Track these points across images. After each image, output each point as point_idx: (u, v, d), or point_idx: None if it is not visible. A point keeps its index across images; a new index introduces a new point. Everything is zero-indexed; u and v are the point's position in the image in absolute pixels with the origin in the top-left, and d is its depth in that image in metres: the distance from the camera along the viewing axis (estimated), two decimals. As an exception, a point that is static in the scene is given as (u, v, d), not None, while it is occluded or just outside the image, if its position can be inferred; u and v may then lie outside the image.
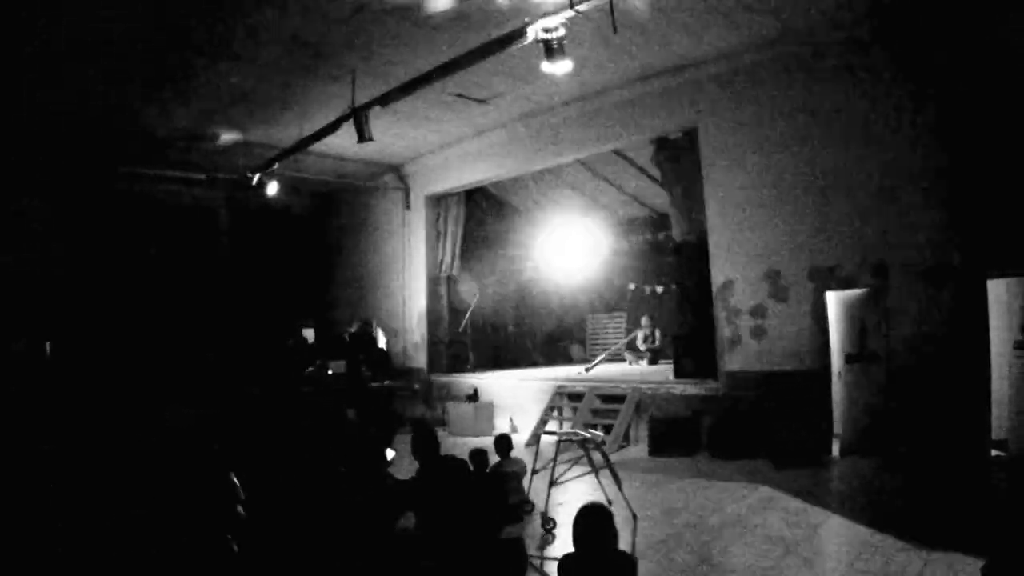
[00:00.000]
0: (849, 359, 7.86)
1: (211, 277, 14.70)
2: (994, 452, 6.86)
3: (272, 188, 12.02)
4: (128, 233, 13.50)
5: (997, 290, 6.97)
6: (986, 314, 6.91)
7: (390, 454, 6.06)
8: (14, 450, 7.29)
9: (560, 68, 7.02)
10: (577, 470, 6.43)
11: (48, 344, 11.77)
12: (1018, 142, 6.78)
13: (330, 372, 12.29)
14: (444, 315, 13.79)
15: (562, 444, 6.42)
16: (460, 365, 13.57)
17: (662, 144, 10.41)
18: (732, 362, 8.85)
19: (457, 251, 13.75)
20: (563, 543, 5.14)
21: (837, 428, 7.90)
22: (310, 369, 12.37)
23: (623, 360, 14.08)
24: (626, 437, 9.26)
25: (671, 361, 10.75)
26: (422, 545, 4.64)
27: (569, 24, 6.53)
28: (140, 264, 13.51)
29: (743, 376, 8.60)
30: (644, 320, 14.13)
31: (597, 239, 16.27)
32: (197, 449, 7.03)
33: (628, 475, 6.80)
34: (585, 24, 7.31)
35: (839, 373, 7.88)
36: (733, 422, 8.27)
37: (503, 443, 6.56)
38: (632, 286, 15.98)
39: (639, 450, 8.91)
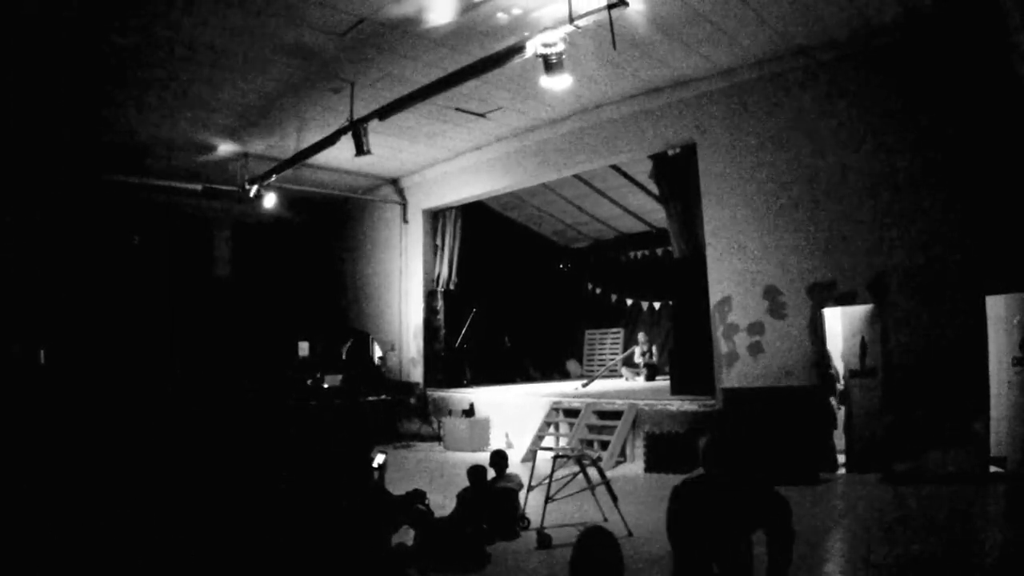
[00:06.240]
0: (851, 375, 7.84)
1: (207, 288, 14.68)
2: (993, 468, 6.81)
3: (270, 200, 12.05)
4: (125, 242, 13.50)
5: (996, 306, 6.95)
6: (985, 330, 6.89)
7: (380, 458, 6.02)
8: (11, 456, 7.24)
9: (559, 83, 7.05)
10: (573, 486, 6.37)
11: (43, 351, 11.71)
12: (1016, 158, 6.80)
13: (326, 386, 12.25)
14: (441, 329, 13.74)
15: (558, 460, 6.37)
16: (456, 380, 13.49)
17: (660, 160, 10.43)
18: (729, 378, 8.81)
19: (454, 265, 13.73)
20: (559, 559, 5.08)
21: (840, 445, 7.87)
22: (308, 382, 12.34)
23: (620, 376, 14.04)
24: (623, 453, 9.19)
25: (668, 377, 10.73)
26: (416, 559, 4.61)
27: (568, 39, 6.56)
28: (136, 273, 13.49)
29: (740, 392, 8.55)
30: (641, 336, 14.10)
31: (595, 254, 16.29)
32: (192, 456, 7.00)
33: (624, 492, 6.74)
34: (584, 40, 7.35)
35: (840, 390, 7.85)
36: (730, 439, 8.19)
37: (499, 459, 6.52)
38: (629, 301, 15.98)
39: (635, 467, 8.84)
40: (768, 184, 8.72)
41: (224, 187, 12.65)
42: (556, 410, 10.46)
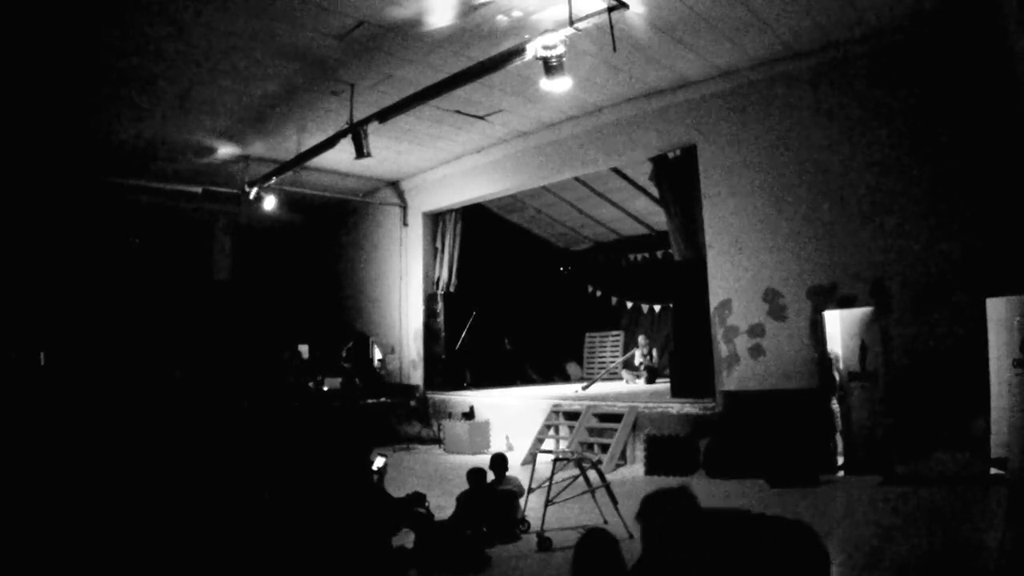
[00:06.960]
0: (851, 378, 7.83)
1: (206, 290, 14.67)
2: (994, 470, 6.79)
3: (269, 202, 12.05)
4: (124, 245, 13.51)
5: (996, 308, 6.94)
6: (985, 332, 6.87)
7: (379, 461, 6.03)
8: (11, 459, 7.24)
9: (559, 86, 7.05)
10: (573, 489, 6.35)
11: (42, 353, 11.70)
12: (1016, 160, 6.79)
13: (325, 388, 12.25)
14: (441, 332, 13.72)
15: (558, 463, 6.36)
16: (456, 382, 13.48)
17: (660, 162, 10.43)
18: (729, 381, 8.80)
19: (454, 268, 13.72)
20: (559, 562, 5.06)
21: (840, 447, 7.85)
22: (310, 384, 12.35)
23: (620, 378, 14.02)
24: (623, 456, 9.17)
25: (668, 380, 10.71)
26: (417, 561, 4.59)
27: (569, 42, 6.56)
28: (136, 275, 13.49)
29: (741, 395, 8.55)
30: (641, 339, 14.08)
31: (595, 256, 16.25)
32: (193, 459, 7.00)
33: (624, 494, 6.71)
34: (585, 42, 7.36)
35: (840, 392, 7.84)
36: (730, 441, 8.20)
37: (499, 462, 6.51)
38: (629, 304, 15.96)
39: (636, 469, 8.83)
40: (768, 186, 8.72)
41: (224, 190, 12.66)
42: (556, 413, 10.45)
